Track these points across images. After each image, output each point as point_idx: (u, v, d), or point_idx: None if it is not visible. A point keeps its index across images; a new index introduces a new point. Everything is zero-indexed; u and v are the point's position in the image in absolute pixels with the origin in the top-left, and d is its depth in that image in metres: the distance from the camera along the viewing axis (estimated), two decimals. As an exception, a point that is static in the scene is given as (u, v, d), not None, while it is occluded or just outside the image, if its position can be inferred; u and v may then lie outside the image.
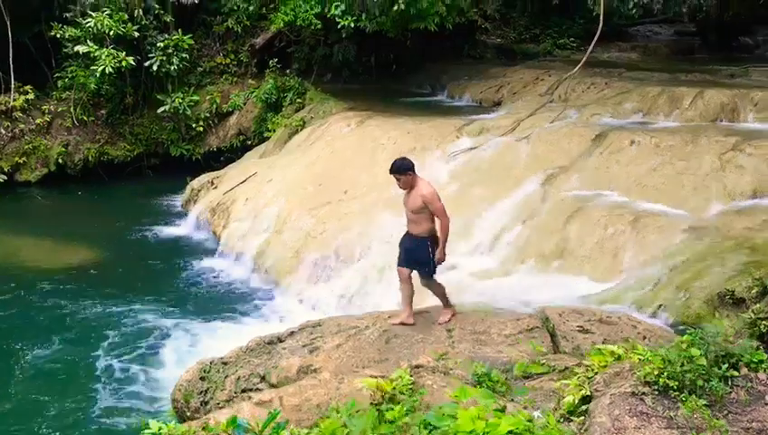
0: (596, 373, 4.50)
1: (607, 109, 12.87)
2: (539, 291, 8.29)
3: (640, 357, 4.60)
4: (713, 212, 8.93)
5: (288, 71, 17.51)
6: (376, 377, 5.01)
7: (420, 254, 6.65)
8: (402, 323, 6.92)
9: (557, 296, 7.98)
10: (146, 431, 4.62)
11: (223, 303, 10.32)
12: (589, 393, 4.24)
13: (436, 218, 6.63)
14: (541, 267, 8.90)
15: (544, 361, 5.34)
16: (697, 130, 11.19)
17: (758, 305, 6.02)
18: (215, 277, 11.23)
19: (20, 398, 8.07)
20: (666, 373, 4.13)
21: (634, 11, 13.84)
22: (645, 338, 6.49)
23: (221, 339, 9.10)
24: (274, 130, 16.22)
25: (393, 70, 19.07)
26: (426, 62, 19.03)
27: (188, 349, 9.02)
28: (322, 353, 6.39)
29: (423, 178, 6.80)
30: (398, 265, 6.88)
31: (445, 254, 6.73)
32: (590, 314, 6.96)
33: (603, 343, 6.44)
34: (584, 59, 13.55)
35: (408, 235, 6.78)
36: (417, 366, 5.28)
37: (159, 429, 4.63)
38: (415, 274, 6.89)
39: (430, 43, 18.39)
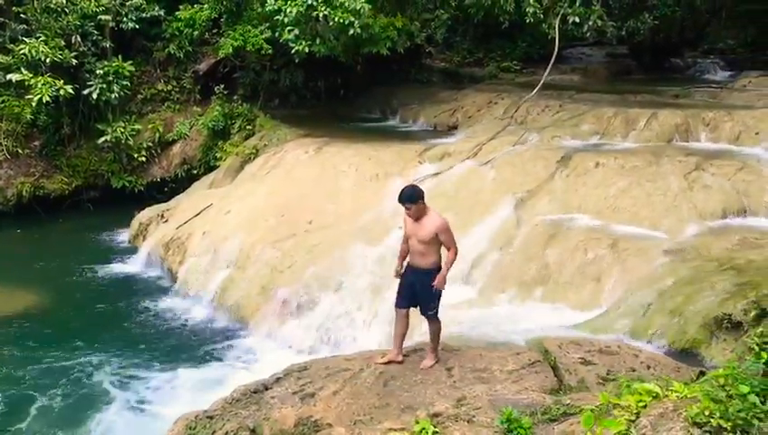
0: (637, 415, 4.25)
1: (565, 131, 12.94)
2: (525, 320, 8.10)
3: (678, 394, 4.40)
4: (689, 233, 8.97)
5: (235, 97, 16.97)
6: (396, 430, 4.64)
7: (426, 290, 6.25)
8: (390, 362, 6.56)
9: (545, 325, 7.79)
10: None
11: (186, 347, 9.67)
12: (638, 440, 3.98)
13: (442, 249, 6.27)
14: (523, 296, 8.71)
15: (568, 401, 5.07)
16: (657, 151, 11.34)
17: (760, 329, 5.95)
18: (173, 319, 10.55)
19: None
20: (718, 414, 3.92)
21: (588, 34, 14.02)
22: (649, 368, 6.34)
23: (190, 387, 8.52)
24: (223, 159, 15.65)
25: (341, 94, 18.82)
26: (374, 87, 18.86)
27: (153, 400, 8.37)
28: (320, 402, 5.95)
29: (433, 208, 6.43)
30: (397, 304, 6.48)
31: (445, 282, 6.32)
32: (589, 345, 6.77)
33: (607, 374, 6.28)
34: (542, 82, 13.64)
35: (411, 268, 6.37)
36: (436, 414, 4.92)
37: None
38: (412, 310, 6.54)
39: (378, 67, 18.24)
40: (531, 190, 10.63)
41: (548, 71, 13.97)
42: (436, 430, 4.49)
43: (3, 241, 15.10)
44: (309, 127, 15.56)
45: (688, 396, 4.37)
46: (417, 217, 6.23)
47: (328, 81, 18.48)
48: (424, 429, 4.47)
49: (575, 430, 4.62)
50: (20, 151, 16.20)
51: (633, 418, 4.25)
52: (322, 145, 13.41)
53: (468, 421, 4.81)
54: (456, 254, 6.22)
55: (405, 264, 6.52)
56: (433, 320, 6.46)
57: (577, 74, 21.44)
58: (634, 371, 6.25)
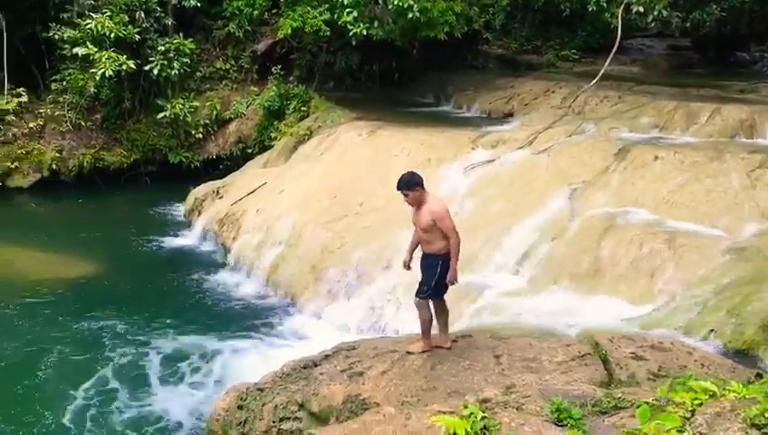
0: (692, 412, 4.19)
1: (624, 123, 12.68)
2: (575, 313, 8.01)
3: (736, 395, 4.32)
4: (749, 232, 8.71)
5: (291, 78, 17.13)
6: (445, 413, 4.67)
7: (425, 271, 6.17)
8: (423, 351, 6.44)
9: (595, 319, 7.71)
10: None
11: (238, 320, 9.88)
12: (693, 437, 3.93)
13: None
14: (574, 288, 8.60)
15: (620, 394, 5.02)
16: (719, 147, 11.01)
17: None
18: (227, 292, 10.79)
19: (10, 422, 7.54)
20: (777, 416, 3.84)
21: (652, 24, 13.67)
22: (703, 366, 6.21)
23: (240, 360, 8.73)
24: (278, 139, 15.84)
25: (396, 78, 18.78)
26: (429, 72, 18.77)
27: (204, 371, 8.58)
28: (368, 381, 6.02)
29: (433, 193, 6.32)
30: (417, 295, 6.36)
31: (457, 274, 6.20)
32: (641, 340, 6.67)
33: (659, 370, 6.18)
34: (602, 72, 13.35)
35: (424, 255, 6.27)
36: (485, 400, 4.94)
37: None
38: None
39: (434, 51, 18.13)
40: (586, 182, 10.47)
41: (608, 61, 13.67)
42: (485, 415, 4.50)
43: (65, 210, 15.65)
44: (363, 110, 15.60)
45: (747, 397, 4.28)
46: (418, 204, 6.10)
47: (383, 64, 18.47)
48: (473, 413, 4.47)
49: (626, 424, 4.58)
50: (82, 124, 16.71)
51: (688, 415, 4.19)
52: (376, 128, 13.43)
53: (517, 409, 4.81)
54: (457, 241, 6.03)
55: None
56: (421, 304, 6.29)
57: (637, 66, 20.95)
58: (687, 368, 6.15)
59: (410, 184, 6.10)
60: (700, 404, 4.28)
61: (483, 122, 14.68)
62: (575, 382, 5.84)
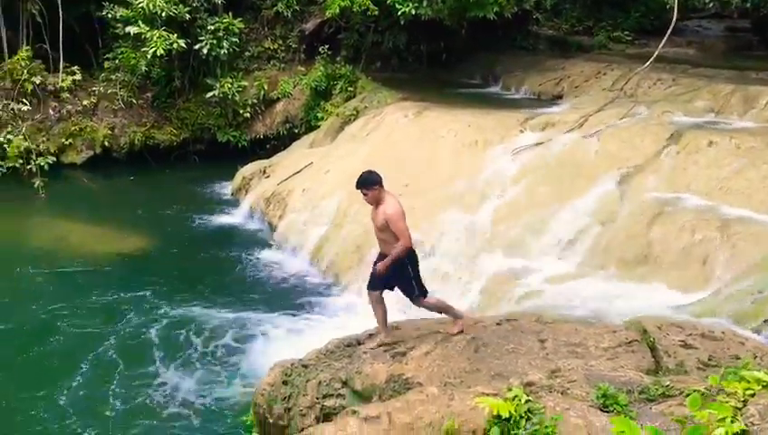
0: (744, 403, 4.09)
1: (677, 106, 12.33)
2: (623, 298, 7.88)
3: (791, 386, 4.19)
4: (808, 221, 8.41)
5: (338, 58, 17.12)
6: (488, 395, 4.65)
7: (399, 277, 6.10)
8: (382, 344, 6.38)
9: (643, 305, 7.56)
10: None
11: (282, 297, 10.01)
12: (744, 428, 3.83)
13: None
14: (623, 273, 8.45)
15: (668, 382, 4.92)
16: (778, 132, 10.64)
17: None
18: (272, 270, 10.93)
19: (62, 394, 7.77)
20: (834, 409, 3.72)
21: (711, 4, 13.23)
22: (756, 357, 6.04)
23: (284, 336, 8.84)
24: (324, 119, 15.88)
25: (443, 59, 18.60)
26: (477, 52, 18.55)
27: (248, 346, 8.73)
28: (411, 361, 6.03)
29: (392, 194, 6.19)
30: (368, 286, 6.34)
31: (385, 268, 6.00)
32: (691, 328, 6.51)
33: (709, 360, 6.03)
34: (656, 54, 13.02)
35: (380, 255, 6.21)
36: (530, 384, 4.90)
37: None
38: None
39: (482, 32, 17.90)
40: (637, 166, 10.23)
41: (663, 42, 13.30)
42: (530, 398, 4.46)
43: (116, 186, 16.04)
44: (409, 91, 15.51)
45: (803, 389, 4.16)
46: (376, 203, 6.00)
47: (430, 45, 18.30)
48: (517, 396, 4.45)
49: (674, 412, 4.49)
50: (134, 102, 17.04)
51: (740, 405, 4.09)
52: (422, 109, 13.35)
53: (562, 393, 4.76)
54: (403, 246, 5.88)
55: None
56: (422, 301, 6.27)
57: (692, 48, 20.32)
58: (738, 359, 5.99)
59: (367, 183, 5.99)
60: (753, 395, 4.18)
61: (531, 104, 14.47)
62: (621, 369, 5.75)
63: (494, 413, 4.31)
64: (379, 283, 6.22)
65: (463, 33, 17.40)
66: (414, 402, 4.65)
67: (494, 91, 16.61)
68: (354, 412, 4.58)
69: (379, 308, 6.37)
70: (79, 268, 11.14)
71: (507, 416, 4.28)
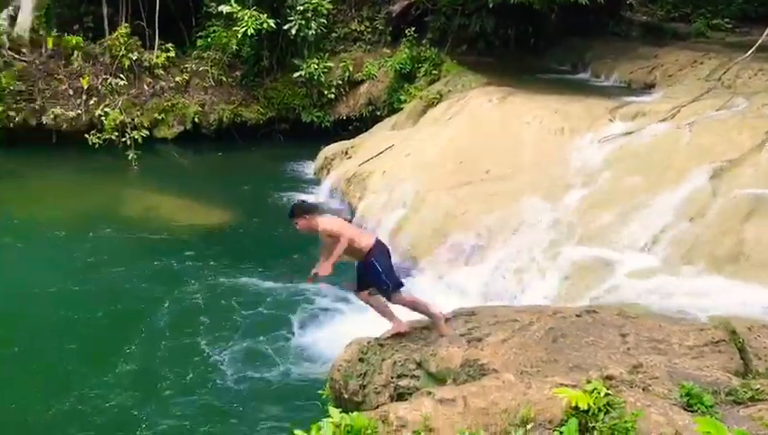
0: (841, 413, 3.88)
1: (780, 99, 11.67)
2: (711, 297, 7.55)
3: None
4: None
5: (423, 40, 17.05)
6: (567, 386, 4.57)
7: (371, 274, 6.31)
8: (398, 334, 6.49)
9: (733, 304, 7.24)
10: (328, 420, 4.40)
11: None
12: (840, 438, 3.64)
13: (360, 237, 6.35)
14: (712, 270, 8.10)
15: (758, 386, 4.73)
16: None
17: None
18: (350, 250, 11.05)
19: (147, 362, 8.05)
20: None
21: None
22: None
23: (361, 315, 8.92)
24: (407, 102, 15.88)
25: (531, 43, 18.24)
26: (566, 38, 18.08)
27: (326, 323, 8.88)
28: (487, 347, 6.00)
29: (326, 217, 6.47)
30: (355, 292, 6.65)
31: (329, 268, 6.23)
32: (785, 332, 6.22)
33: (803, 366, 5.77)
34: (758, 42, 12.33)
35: (357, 265, 6.47)
36: (609, 377, 4.79)
37: (342, 419, 4.40)
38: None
39: (573, 16, 17.43)
40: (732, 160, 9.76)
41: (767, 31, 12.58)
42: (609, 392, 4.37)
43: (204, 162, 16.58)
44: (494, 75, 15.30)
45: None
46: (312, 230, 6.17)
47: (518, 28, 17.98)
48: (596, 389, 4.35)
49: (764, 416, 4.32)
50: (224, 80, 17.51)
51: (836, 415, 3.89)
52: (507, 94, 13.15)
53: (644, 389, 4.64)
54: (341, 247, 6.12)
55: None
56: (396, 297, 6.40)
57: (800, 37, 19.15)
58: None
59: (293, 214, 6.22)
60: None
61: (621, 93, 14.02)
62: (707, 368, 5.55)
63: (572, 404, 4.24)
64: (358, 284, 6.52)
65: (553, 17, 17.00)
66: (490, 388, 4.64)
67: (582, 78, 16.18)
68: (429, 393, 4.60)
69: (375, 303, 6.54)
70: (165, 237, 11.60)
71: (585, 408, 4.20)
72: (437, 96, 14.66)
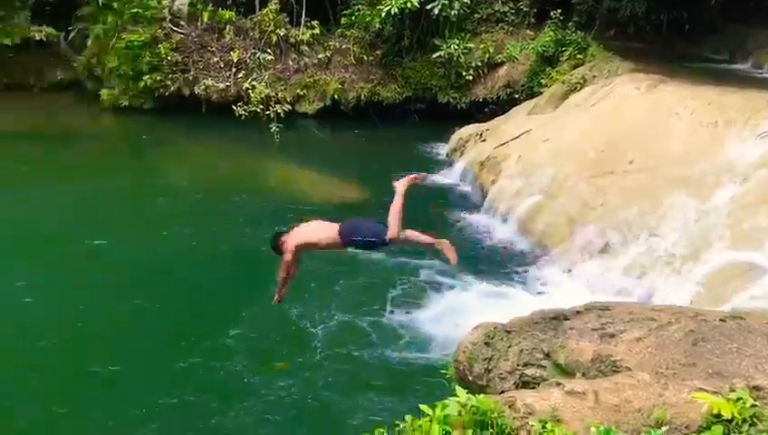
0: None
1: None
2: None
3: None
4: None
5: (569, 23, 16.48)
6: (708, 392, 4.31)
7: (364, 246, 6.68)
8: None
9: None
10: (454, 399, 4.40)
11: (487, 262, 10.03)
12: None
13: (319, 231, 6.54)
14: None
15: None
16: None
17: None
18: (479, 233, 10.98)
19: (259, 329, 8.22)
20: None
21: None
22: None
23: (486, 300, 8.88)
24: (547, 86, 15.46)
25: (686, 30, 17.16)
26: (725, 25, 16.86)
27: (451, 305, 8.85)
28: (621, 344, 5.75)
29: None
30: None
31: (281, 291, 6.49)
32: None
33: None
34: None
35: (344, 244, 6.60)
36: (757, 388, 4.46)
37: (468, 400, 4.39)
38: None
39: (734, 2, 16.20)
40: None
41: None
42: (756, 403, 4.08)
43: (341, 138, 17.00)
44: (643, 62, 14.53)
45: None
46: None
47: (672, 14, 16.98)
48: (741, 398, 4.08)
49: None
50: (364, 58, 17.81)
51: None
52: (657, 82, 12.45)
53: (798, 405, 4.28)
54: (284, 257, 6.37)
55: None
56: (392, 240, 6.57)
57: None
58: None
59: (272, 245, 6.54)
60: None
61: (787, 86, 12.91)
62: None
63: (714, 412, 4.00)
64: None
65: (712, 2, 15.87)
66: (623, 385, 4.45)
67: (742, 69, 15.05)
68: (558, 384, 4.49)
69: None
70: (298, 208, 11.96)
71: (729, 417, 3.95)
72: (581, 81, 14.15)
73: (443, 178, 13.59)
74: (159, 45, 16.89)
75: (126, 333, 8.03)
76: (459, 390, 4.43)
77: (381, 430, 4.52)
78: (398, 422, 4.66)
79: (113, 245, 10.17)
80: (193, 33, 17.55)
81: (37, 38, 18.71)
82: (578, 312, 6.72)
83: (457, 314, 8.48)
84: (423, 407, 4.48)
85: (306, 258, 8.68)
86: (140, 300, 8.69)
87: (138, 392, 6.93)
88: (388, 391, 7.10)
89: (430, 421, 4.31)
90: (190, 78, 17.24)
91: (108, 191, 12.63)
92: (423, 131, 16.63)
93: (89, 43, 18.10)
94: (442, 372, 6.59)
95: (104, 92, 17.66)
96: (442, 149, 15.20)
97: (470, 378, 6.08)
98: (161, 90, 17.12)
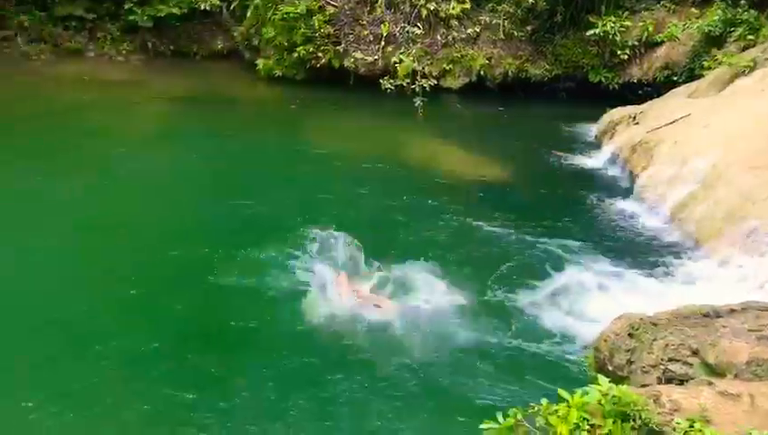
0: None
1: None
2: None
3: None
4: None
5: (741, 2, 15.22)
6: None
7: None
8: None
9: None
10: (595, 387, 4.31)
11: (633, 250, 9.59)
12: None
13: None
14: None
15: None
16: None
17: None
18: (625, 220, 10.52)
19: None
20: None
21: None
22: None
23: (630, 289, 8.54)
24: (711, 68, 14.41)
25: None
26: None
27: (594, 291, 8.57)
28: (781, 349, 5.36)
29: None
30: None
31: None
32: None
33: None
34: None
35: None
36: None
37: (609, 389, 4.28)
38: None
39: None
40: None
41: None
42: None
43: (485, 115, 16.82)
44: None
45: None
46: None
47: None
48: None
49: None
50: (514, 34, 17.44)
51: None
52: (842, 68, 11.30)
53: None
54: None
55: None
56: None
57: None
58: None
59: None
60: None
61: None
62: None
63: None
64: None
65: None
66: (784, 392, 4.16)
67: None
68: (710, 384, 4.27)
69: None
70: (438, 182, 12.04)
71: None
72: (751, 64, 13.05)
73: (590, 160, 13.12)
74: (314, 18, 17.40)
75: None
76: (602, 379, 4.33)
77: (515, 411, 4.50)
78: (532, 404, 4.61)
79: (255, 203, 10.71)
80: (345, 6, 17.91)
81: (202, 8, 19.87)
82: (732, 310, 6.33)
83: (592, 301, 8.24)
84: (561, 392, 4.40)
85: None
86: (275, 252, 9.05)
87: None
88: (507, 375, 6.96)
89: (568, 407, 4.25)
90: (341, 50, 17.66)
91: (255, 153, 13.37)
92: (571, 111, 16.11)
93: (248, 13, 18.96)
94: (582, 359, 6.45)
95: (260, 62, 18.49)
96: (590, 131, 14.66)
97: (609, 368, 5.90)
98: (313, 61, 17.67)
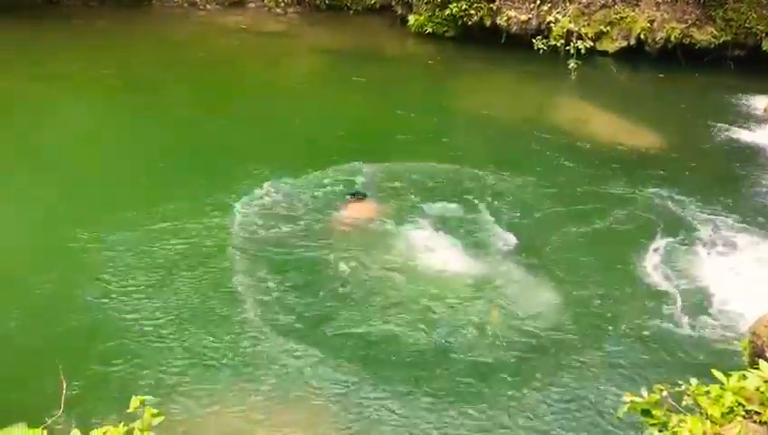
0: None
1: None
2: None
3: None
4: None
5: None
6: None
7: None
8: None
9: None
10: (756, 372, 4.20)
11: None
12: None
13: None
14: None
15: None
16: None
17: None
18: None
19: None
20: None
21: None
22: None
23: None
24: None
25: None
26: None
27: (754, 274, 8.16)
28: None
29: None
30: None
31: None
32: None
33: None
34: None
35: None
36: None
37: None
38: None
39: None
40: None
41: None
42: None
43: (644, 82, 16.11)
44: None
45: None
46: None
47: None
48: None
49: None
50: (682, -4, 16.38)
51: None
52: None
53: None
54: None
55: None
56: None
57: None
58: None
59: None
60: None
61: None
62: None
63: None
64: None
65: None
66: None
67: None
68: None
69: None
70: (587, 147, 11.70)
71: None
72: None
73: (755, 135, 12.27)
74: (467, -25, 17.25)
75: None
76: (763, 364, 4.21)
77: (661, 387, 4.47)
78: (679, 382, 4.55)
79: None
80: (502, -37, 17.57)
81: (357, -37, 20.21)
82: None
83: (751, 282, 7.85)
84: (716, 373, 4.32)
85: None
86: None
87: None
88: (653, 354, 6.81)
89: (722, 389, 4.17)
90: (494, 8, 17.40)
91: (400, 108, 13.61)
92: (738, 82, 15.02)
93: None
94: (736, 341, 6.22)
95: (412, 18, 18.58)
96: (759, 104, 13.64)
97: (767, 354, 5.68)
98: (465, 18, 17.55)
